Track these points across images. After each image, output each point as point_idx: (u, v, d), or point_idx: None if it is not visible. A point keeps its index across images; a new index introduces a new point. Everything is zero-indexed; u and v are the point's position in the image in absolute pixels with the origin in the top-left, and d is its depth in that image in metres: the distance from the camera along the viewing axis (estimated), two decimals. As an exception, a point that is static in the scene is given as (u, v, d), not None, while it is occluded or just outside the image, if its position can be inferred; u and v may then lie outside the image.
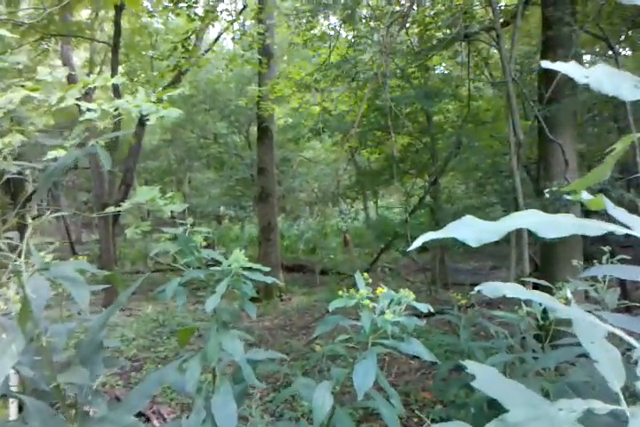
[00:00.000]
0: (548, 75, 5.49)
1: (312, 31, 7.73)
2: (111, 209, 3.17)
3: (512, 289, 0.85)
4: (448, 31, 5.92)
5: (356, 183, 9.83)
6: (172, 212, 2.51)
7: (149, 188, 3.06)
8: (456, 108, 8.27)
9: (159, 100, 2.98)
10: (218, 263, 2.17)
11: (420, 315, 7.44)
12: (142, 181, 22.03)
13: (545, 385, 2.10)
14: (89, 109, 2.43)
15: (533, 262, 6.67)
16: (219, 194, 19.46)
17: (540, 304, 2.28)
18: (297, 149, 17.28)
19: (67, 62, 13.58)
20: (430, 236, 0.79)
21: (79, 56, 17.62)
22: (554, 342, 2.26)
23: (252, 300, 8.69)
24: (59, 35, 9.97)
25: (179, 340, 2.12)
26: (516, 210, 4.18)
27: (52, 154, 2.51)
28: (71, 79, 11.26)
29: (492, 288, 0.86)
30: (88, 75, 3.10)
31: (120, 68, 15.23)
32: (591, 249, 5.91)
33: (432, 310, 2.04)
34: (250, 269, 2.06)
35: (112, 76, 10.20)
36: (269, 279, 2.08)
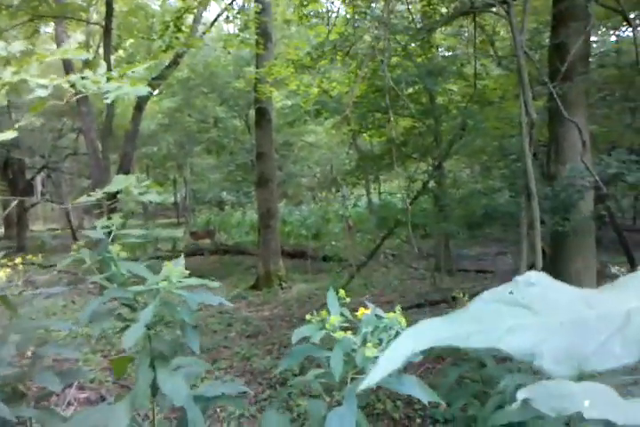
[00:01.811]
0: (559, 51, 5.13)
1: (309, 9, 7.35)
2: (83, 199, 2.89)
3: (599, 401, 0.40)
4: (452, 5, 5.57)
5: (357, 168, 9.46)
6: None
7: (126, 176, 2.78)
8: (461, 88, 7.88)
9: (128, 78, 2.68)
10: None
11: (424, 304, 7.01)
12: (143, 166, 21.74)
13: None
14: (40, 86, 2.12)
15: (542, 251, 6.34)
16: (219, 179, 19.19)
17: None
18: (298, 133, 16.91)
19: (61, 46, 13.19)
20: None
21: (76, 39, 17.20)
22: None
23: (252, 288, 8.31)
24: (49, 15, 9.57)
25: (114, 370, 1.75)
26: (528, 197, 3.83)
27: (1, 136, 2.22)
28: (66, 63, 10.93)
29: (555, 399, 0.40)
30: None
31: (120, 52, 14.83)
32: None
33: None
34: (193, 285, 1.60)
35: (105, 59, 9.85)
36: (216, 300, 1.63)
